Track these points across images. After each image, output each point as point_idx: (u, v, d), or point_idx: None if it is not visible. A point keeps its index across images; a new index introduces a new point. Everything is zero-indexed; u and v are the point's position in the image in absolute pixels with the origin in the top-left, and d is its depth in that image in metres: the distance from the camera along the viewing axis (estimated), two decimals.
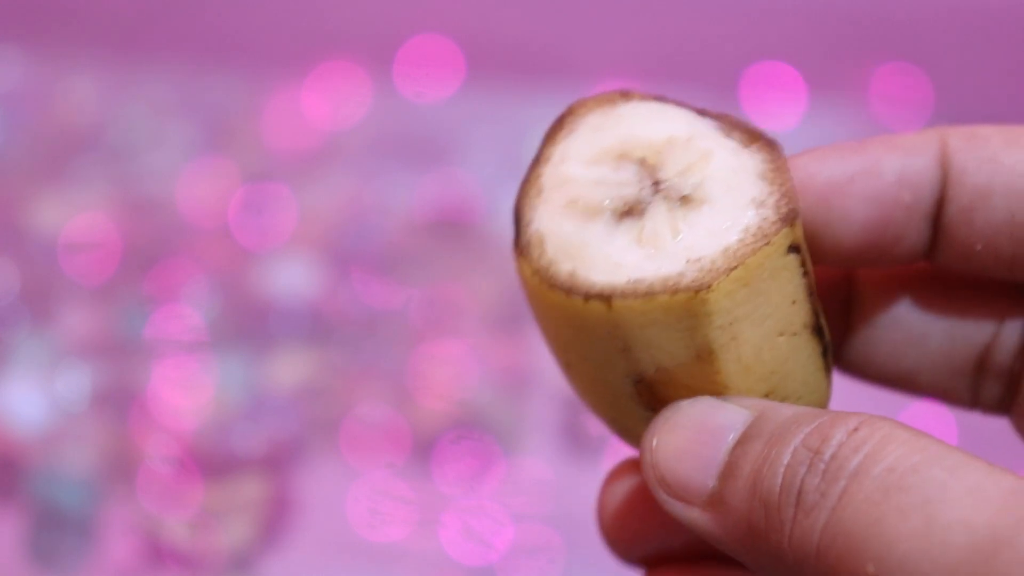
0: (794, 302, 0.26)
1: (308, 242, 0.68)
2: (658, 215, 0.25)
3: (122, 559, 0.55)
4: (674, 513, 0.25)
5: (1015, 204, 0.27)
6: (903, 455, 0.22)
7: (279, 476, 0.57)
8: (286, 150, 0.74)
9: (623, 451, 0.30)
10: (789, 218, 0.25)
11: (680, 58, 0.75)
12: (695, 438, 0.25)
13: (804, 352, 0.27)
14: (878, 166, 0.28)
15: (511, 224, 0.27)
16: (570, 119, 0.27)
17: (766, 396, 0.27)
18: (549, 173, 0.27)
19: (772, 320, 0.26)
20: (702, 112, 0.27)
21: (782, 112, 0.73)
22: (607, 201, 0.26)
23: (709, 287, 0.24)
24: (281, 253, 0.67)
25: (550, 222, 0.26)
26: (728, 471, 0.24)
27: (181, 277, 0.65)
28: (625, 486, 0.29)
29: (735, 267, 0.24)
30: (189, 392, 0.60)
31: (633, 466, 0.28)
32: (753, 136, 0.26)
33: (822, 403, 0.29)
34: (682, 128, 0.26)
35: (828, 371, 0.28)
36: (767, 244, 0.24)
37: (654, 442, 0.26)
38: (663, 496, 0.25)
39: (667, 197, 0.25)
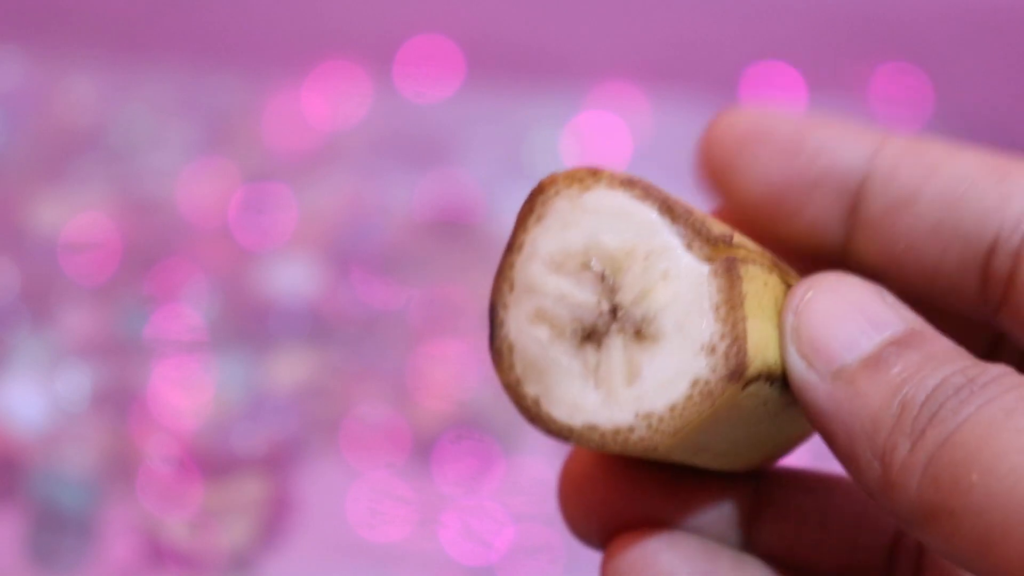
0: (767, 402, 0.26)
1: (308, 242, 0.68)
2: (614, 351, 0.25)
3: (122, 559, 0.55)
4: (793, 371, 0.25)
5: (944, 212, 0.27)
6: None
7: (279, 476, 0.57)
8: (286, 150, 0.74)
9: None
10: (737, 374, 0.24)
11: (680, 58, 0.75)
12: (849, 313, 0.25)
13: (790, 421, 0.27)
14: (800, 133, 0.28)
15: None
16: (540, 200, 0.27)
17: (756, 452, 0.28)
18: (519, 268, 0.27)
19: (744, 424, 0.26)
20: (668, 208, 0.26)
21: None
22: (569, 323, 0.26)
23: (655, 448, 0.25)
24: (281, 253, 0.67)
25: (519, 332, 0.27)
26: (874, 361, 0.24)
27: (181, 277, 0.65)
28: (591, 454, 0.29)
29: (680, 428, 0.24)
30: (189, 392, 0.60)
31: None
32: (715, 248, 0.25)
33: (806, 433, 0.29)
34: (643, 238, 0.26)
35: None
36: (712, 403, 0.24)
37: (809, 294, 0.25)
38: (791, 351, 0.25)
39: (623, 329, 0.25)
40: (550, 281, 0.26)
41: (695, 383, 0.25)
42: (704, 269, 0.25)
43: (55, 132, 0.75)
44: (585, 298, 0.26)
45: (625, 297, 0.25)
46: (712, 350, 0.25)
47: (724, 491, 0.28)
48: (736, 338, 0.25)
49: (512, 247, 0.27)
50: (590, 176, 0.26)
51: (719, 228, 0.26)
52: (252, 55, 0.77)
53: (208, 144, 0.74)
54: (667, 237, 0.26)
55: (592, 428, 0.25)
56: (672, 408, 0.25)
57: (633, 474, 0.28)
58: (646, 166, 0.52)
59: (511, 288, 0.27)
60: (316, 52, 0.77)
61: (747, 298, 0.25)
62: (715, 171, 0.29)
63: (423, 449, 0.59)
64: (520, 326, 0.27)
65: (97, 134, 0.74)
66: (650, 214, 0.26)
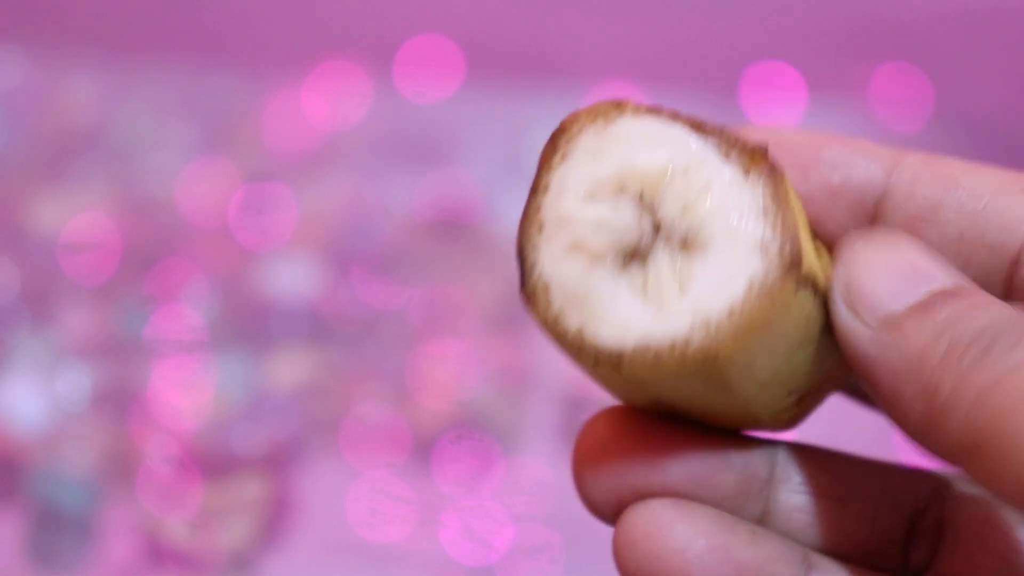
0: (808, 320, 0.26)
1: (308, 242, 0.68)
2: (661, 264, 0.25)
3: (122, 559, 0.55)
4: (840, 320, 0.25)
5: (965, 224, 0.27)
6: None
7: (279, 476, 0.57)
8: (286, 150, 0.74)
9: None
10: (794, 266, 0.24)
11: (680, 58, 0.75)
12: (898, 266, 0.25)
13: (821, 352, 0.27)
14: (819, 149, 0.28)
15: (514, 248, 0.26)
16: (564, 139, 0.26)
17: (788, 396, 0.28)
18: (548, 207, 0.26)
19: (787, 343, 0.26)
20: (699, 126, 0.26)
21: (782, 112, 0.73)
22: (610, 247, 0.25)
23: (716, 355, 0.24)
24: (281, 253, 0.67)
25: (554, 268, 0.25)
26: (921, 307, 0.24)
27: (181, 277, 0.65)
28: (607, 426, 0.28)
29: (740, 331, 0.24)
30: (189, 392, 0.60)
31: (615, 411, 0.28)
32: (752, 157, 0.25)
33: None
34: (679, 154, 0.25)
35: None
36: (772, 301, 0.24)
37: (857, 245, 0.25)
38: (838, 301, 0.25)
39: (668, 241, 0.25)
40: (585, 211, 0.25)
41: (752, 283, 0.24)
42: (746, 176, 0.25)
43: (55, 132, 0.75)
44: (624, 220, 0.25)
45: (667, 212, 0.25)
46: (765, 249, 0.24)
47: (742, 465, 0.28)
48: (789, 234, 0.24)
49: (537, 189, 0.26)
50: (614, 108, 0.26)
51: (751, 141, 0.25)
52: (252, 55, 0.77)
53: (208, 144, 0.74)
54: (703, 151, 0.25)
55: (645, 348, 0.24)
56: (731, 311, 0.24)
57: (650, 445, 0.27)
58: None
59: (540, 228, 0.26)
60: (316, 52, 0.77)
61: (791, 199, 0.25)
62: None
63: (423, 449, 0.59)
64: (554, 262, 0.25)
65: (97, 134, 0.74)
66: (682, 132, 0.25)
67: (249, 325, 0.64)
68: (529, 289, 0.25)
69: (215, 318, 0.64)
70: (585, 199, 0.25)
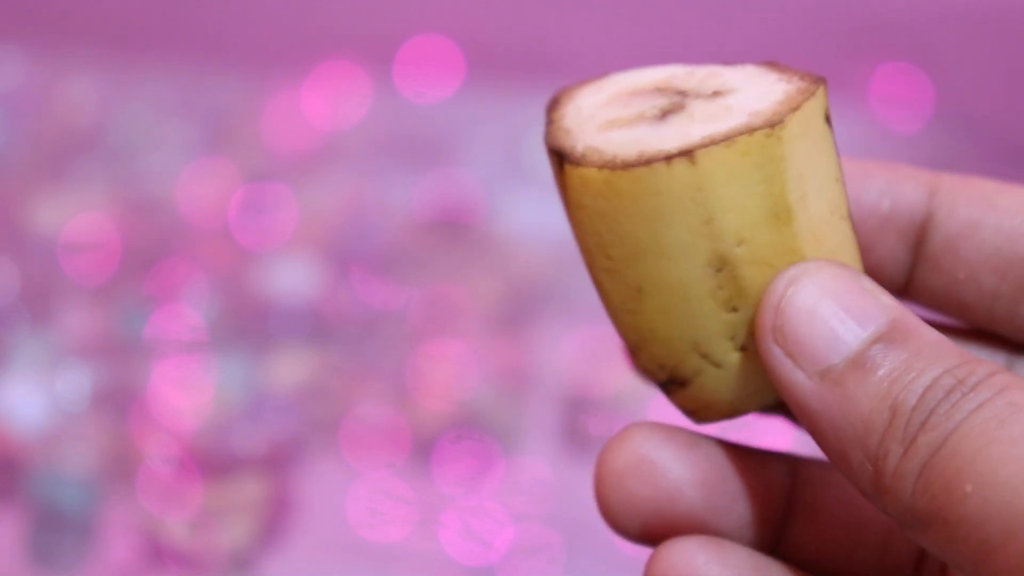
0: (837, 180, 0.26)
1: (308, 242, 0.68)
2: (701, 105, 0.26)
3: (122, 559, 0.55)
4: (773, 364, 0.25)
5: (1003, 240, 0.28)
6: None
7: (279, 476, 0.57)
8: (286, 150, 0.74)
9: None
10: (821, 81, 0.26)
11: (680, 58, 0.75)
12: (832, 308, 0.25)
13: (852, 245, 0.27)
14: (866, 178, 0.29)
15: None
16: (564, 96, 0.28)
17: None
18: (570, 120, 0.27)
19: (827, 192, 0.26)
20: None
21: None
22: (644, 112, 0.26)
23: (782, 122, 0.25)
24: (281, 253, 0.67)
25: (597, 138, 0.26)
26: (861, 362, 0.24)
27: (181, 277, 0.65)
28: (629, 449, 0.28)
29: (796, 108, 0.25)
30: (189, 392, 0.60)
31: (637, 430, 0.28)
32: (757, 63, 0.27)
33: None
34: (682, 68, 0.27)
35: None
36: (812, 96, 0.26)
37: (789, 290, 0.25)
38: (770, 344, 0.25)
39: (700, 96, 0.26)
40: (609, 107, 0.27)
41: (786, 92, 0.26)
42: (752, 65, 0.27)
43: (55, 132, 0.75)
44: (652, 98, 0.27)
45: (690, 85, 0.27)
46: (789, 81, 0.26)
47: (762, 489, 0.28)
48: (809, 75, 0.26)
49: (551, 121, 0.27)
50: (600, 76, 0.28)
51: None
52: (252, 55, 0.77)
53: (208, 144, 0.74)
54: (712, 66, 0.27)
55: (713, 134, 0.25)
56: (779, 102, 0.26)
57: (673, 471, 0.28)
58: None
59: (568, 132, 0.27)
60: (316, 52, 0.77)
61: None
62: None
63: (423, 449, 0.59)
64: (596, 136, 0.26)
65: (97, 134, 0.74)
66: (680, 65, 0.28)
67: (249, 325, 0.64)
68: (577, 157, 0.26)
69: (215, 318, 0.64)
70: (606, 103, 0.27)
